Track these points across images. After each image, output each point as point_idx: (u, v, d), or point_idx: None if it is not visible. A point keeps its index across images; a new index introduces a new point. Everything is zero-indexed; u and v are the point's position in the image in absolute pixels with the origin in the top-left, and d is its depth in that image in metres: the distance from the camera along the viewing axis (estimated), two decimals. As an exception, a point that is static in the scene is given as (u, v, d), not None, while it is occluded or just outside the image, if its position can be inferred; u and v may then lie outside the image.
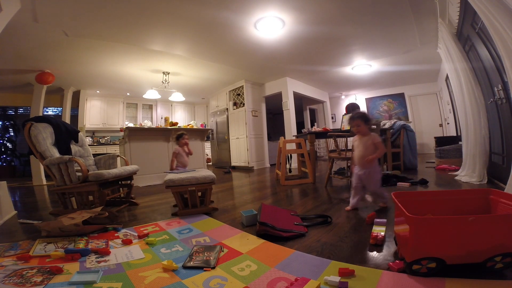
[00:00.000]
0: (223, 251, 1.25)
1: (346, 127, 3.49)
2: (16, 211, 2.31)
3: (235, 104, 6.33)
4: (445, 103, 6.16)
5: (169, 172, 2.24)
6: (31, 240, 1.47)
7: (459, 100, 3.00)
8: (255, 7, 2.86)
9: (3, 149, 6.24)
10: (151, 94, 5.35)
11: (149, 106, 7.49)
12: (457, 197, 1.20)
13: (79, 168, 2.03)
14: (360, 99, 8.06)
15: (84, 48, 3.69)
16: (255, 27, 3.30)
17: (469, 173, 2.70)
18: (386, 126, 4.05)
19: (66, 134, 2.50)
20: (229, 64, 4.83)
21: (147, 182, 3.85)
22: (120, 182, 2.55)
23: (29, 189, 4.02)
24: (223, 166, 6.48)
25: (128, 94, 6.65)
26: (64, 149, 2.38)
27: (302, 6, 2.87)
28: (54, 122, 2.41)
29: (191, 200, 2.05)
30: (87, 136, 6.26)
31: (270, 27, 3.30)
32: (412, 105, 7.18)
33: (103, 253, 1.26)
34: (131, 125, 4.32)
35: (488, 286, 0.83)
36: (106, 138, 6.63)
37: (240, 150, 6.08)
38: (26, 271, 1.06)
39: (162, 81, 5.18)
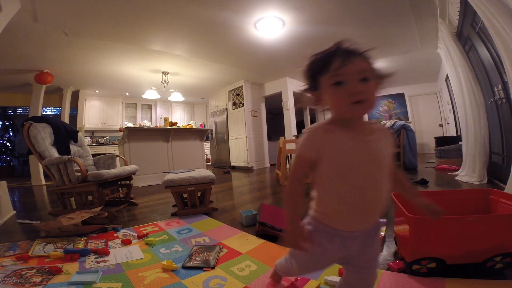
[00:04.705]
0: (222, 251, 1.24)
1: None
2: (15, 211, 2.31)
3: (234, 104, 6.32)
4: (445, 103, 6.16)
5: (169, 172, 2.24)
6: (30, 240, 1.47)
7: (459, 100, 3.00)
8: (255, 7, 2.86)
9: (2, 149, 6.23)
10: (151, 94, 5.35)
11: (149, 106, 7.48)
12: (457, 197, 1.20)
13: (78, 168, 2.03)
14: (360, 99, 8.05)
15: (84, 48, 3.68)
16: (255, 27, 3.30)
17: (469, 173, 2.70)
18: (386, 126, 4.05)
19: (65, 134, 2.50)
20: (228, 64, 4.82)
21: (147, 182, 3.84)
22: (119, 182, 2.54)
23: (28, 189, 4.01)
24: (222, 166, 6.47)
25: (127, 94, 6.65)
26: (63, 149, 2.38)
27: (302, 6, 2.87)
28: (53, 122, 2.40)
29: (191, 200, 2.04)
30: (86, 136, 6.25)
31: (270, 27, 3.29)
32: (412, 105, 7.17)
33: (102, 253, 1.26)
34: (130, 125, 4.32)
35: (488, 286, 0.82)
36: (105, 138, 6.62)
37: (240, 150, 6.07)
38: (25, 271, 1.06)
39: (162, 81, 5.17)
